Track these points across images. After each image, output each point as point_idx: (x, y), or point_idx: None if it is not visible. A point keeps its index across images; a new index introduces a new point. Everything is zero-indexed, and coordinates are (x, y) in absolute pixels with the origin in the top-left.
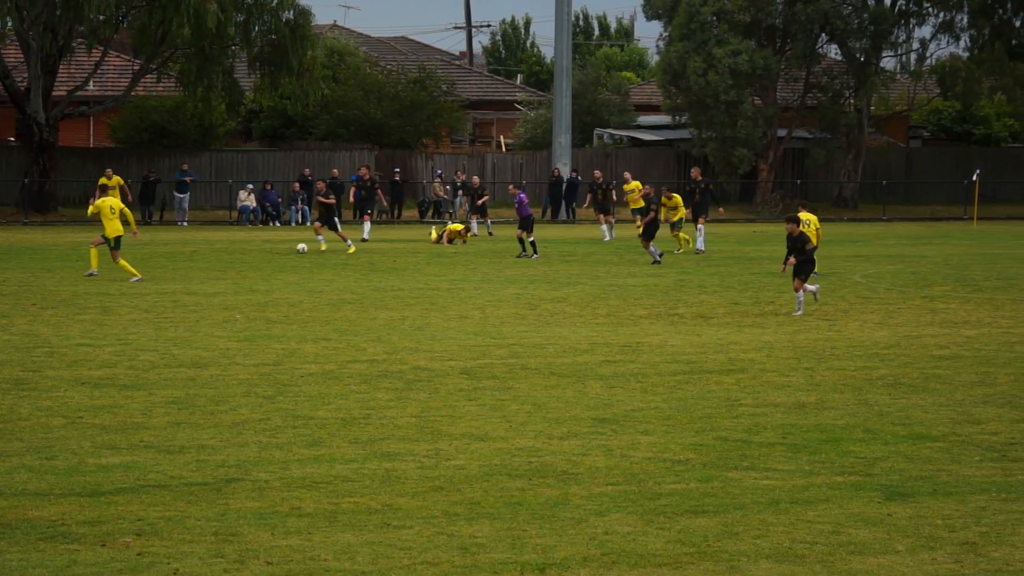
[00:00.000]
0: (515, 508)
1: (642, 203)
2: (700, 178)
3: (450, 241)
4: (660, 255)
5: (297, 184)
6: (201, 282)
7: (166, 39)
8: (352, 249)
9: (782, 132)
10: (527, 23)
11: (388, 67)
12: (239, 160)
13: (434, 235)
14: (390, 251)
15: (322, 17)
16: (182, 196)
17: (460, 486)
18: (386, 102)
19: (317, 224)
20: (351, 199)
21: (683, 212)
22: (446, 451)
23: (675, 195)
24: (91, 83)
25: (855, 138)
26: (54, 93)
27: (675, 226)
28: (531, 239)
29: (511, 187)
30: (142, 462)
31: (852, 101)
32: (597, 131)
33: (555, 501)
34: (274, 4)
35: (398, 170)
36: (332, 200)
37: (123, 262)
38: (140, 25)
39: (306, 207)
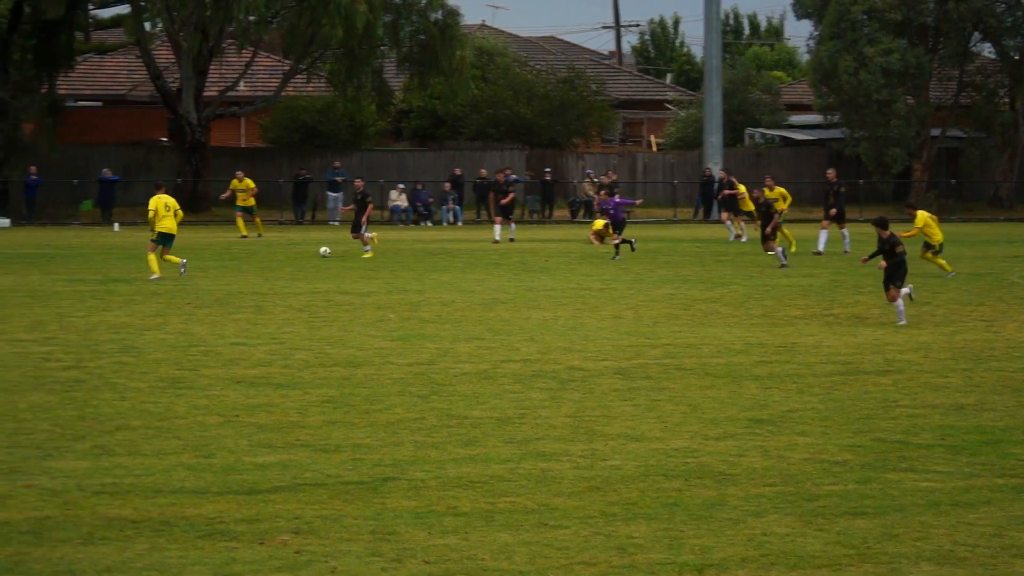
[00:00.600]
0: (672, 509)
1: (752, 205)
2: (835, 180)
3: (600, 240)
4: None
5: (448, 184)
6: (354, 281)
7: (316, 39)
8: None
9: (935, 131)
10: (676, 22)
11: (537, 67)
12: (389, 160)
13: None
14: (542, 251)
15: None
16: (334, 196)
17: (616, 486)
18: (536, 102)
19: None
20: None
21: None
22: (602, 451)
23: (778, 187)
24: (242, 83)
25: (1010, 137)
26: (205, 93)
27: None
28: (616, 241)
29: (602, 192)
30: (298, 461)
31: (1007, 100)
32: (748, 131)
33: (712, 502)
34: (423, 4)
35: (549, 170)
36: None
37: (152, 256)
38: (290, 26)
39: (457, 207)
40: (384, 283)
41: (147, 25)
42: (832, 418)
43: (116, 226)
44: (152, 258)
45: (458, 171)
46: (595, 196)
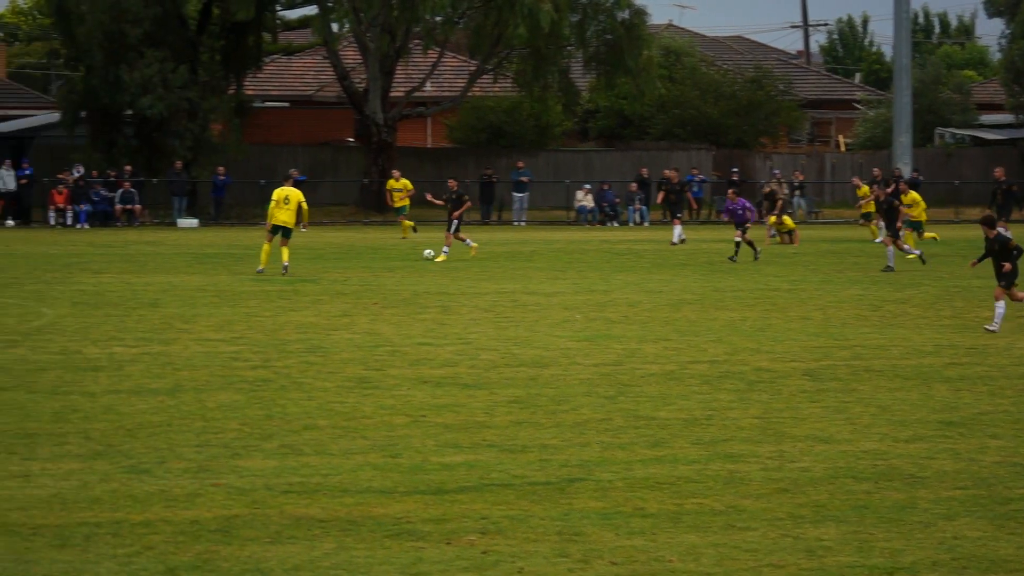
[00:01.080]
0: (861, 511)
1: (873, 207)
2: (1003, 178)
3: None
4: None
5: (634, 184)
6: (540, 282)
7: (501, 39)
8: (441, 258)
9: None
10: (864, 21)
11: (724, 66)
12: (576, 160)
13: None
14: (729, 251)
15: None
16: (520, 196)
17: (805, 488)
18: (723, 101)
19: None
20: (658, 199)
21: (923, 212)
22: (790, 453)
23: (912, 192)
24: (428, 84)
25: None
26: (392, 94)
27: (914, 228)
28: (738, 240)
29: (731, 192)
30: (485, 461)
31: None
32: (938, 130)
33: (902, 505)
34: (609, 4)
35: (736, 170)
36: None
37: (267, 247)
38: (476, 26)
39: (644, 207)
40: (571, 283)
41: (334, 26)
42: None
43: (303, 227)
44: (265, 248)
45: (644, 171)
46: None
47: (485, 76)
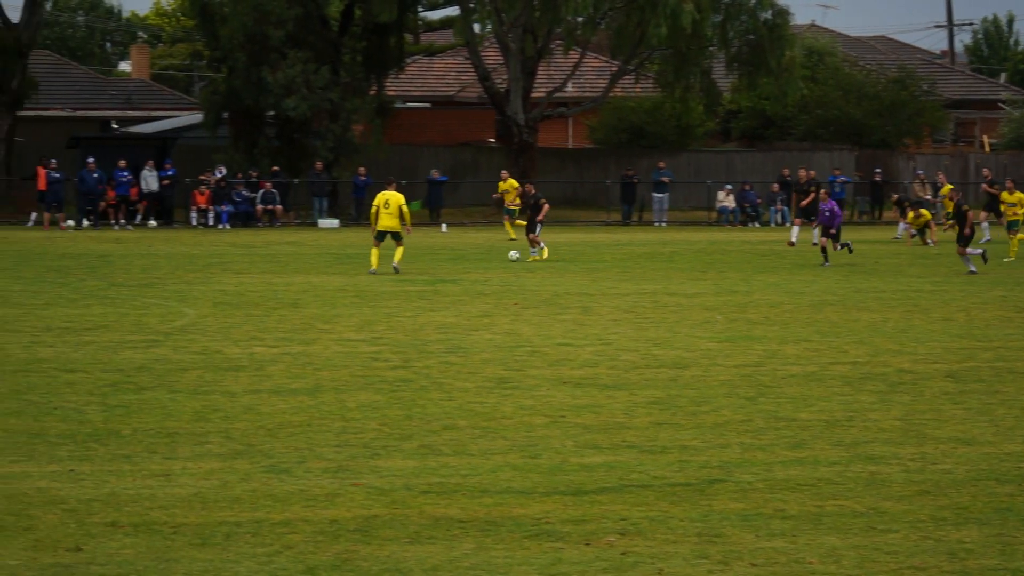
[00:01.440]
0: (1004, 514)
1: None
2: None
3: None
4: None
5: (776, 185)
6: (681, 283)
7: (643, 40)
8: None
9: None
10: (1010, 20)
11: (867, 66)
12: (717, 160)
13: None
14: (871, 252)
15: (800, 17)
16: (660, 196)
17: (947, 490)
18: (866, 102)
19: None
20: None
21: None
22: (932, 455)
23: (1018, 191)
24: (569, 84)
25: None
26: (533, 95)
27: (1011, 227)
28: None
29: (823, 192)
30: (624, 462)
31: None
32: None
33: None
34: (752, 4)
35: (879, 170)
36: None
37: (376, 250)
38: (618, 26)
39: (785, 208)
40: (711, 284)
41: (476, 27)
42: None
43: (444, 227)
44: (375, 252)
45: (787, 172)
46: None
47: (626, 76)
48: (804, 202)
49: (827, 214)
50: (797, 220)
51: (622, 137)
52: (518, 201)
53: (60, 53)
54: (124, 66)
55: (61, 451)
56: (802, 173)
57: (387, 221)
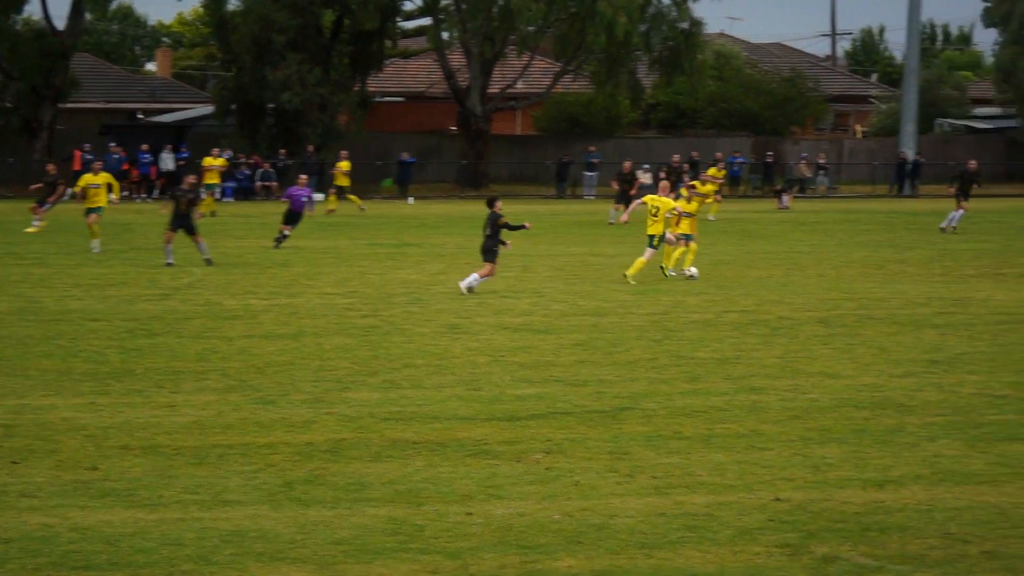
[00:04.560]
0: (860, 434)
1: None
2: (975, 170)
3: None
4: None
5: (686, 165)
6: (604, 246)
7: (582, 45)
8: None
9: None
10: (882, 30)
11: (764, 68)
12: (638, 145)
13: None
14: (761, 220)
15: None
16: (591, 175)
17: (814, 415)
18: (762, 97)
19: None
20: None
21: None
22: (803, 386)
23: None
24: (520, 82)
25: None
26: (489, 91)
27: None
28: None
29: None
30: (551, 393)
31: None
32: (937, 121)
33: (893, 429)
34: (672, 16)
35: (771, 153)
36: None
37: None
38: (561, 34)
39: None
40: (629, 247)
41: (445, 35)
42: (997, 360)
43: (410, 200)
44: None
45: (695, 154)
46: (807, 174)
47: (567, 75)
48: (632, 191)
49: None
50: (619, 206)
51: (561, 126)
52: (346, 181)
53: (96, 55)
54: (150, 66)
55: (84, 387)
56: (627, 165)
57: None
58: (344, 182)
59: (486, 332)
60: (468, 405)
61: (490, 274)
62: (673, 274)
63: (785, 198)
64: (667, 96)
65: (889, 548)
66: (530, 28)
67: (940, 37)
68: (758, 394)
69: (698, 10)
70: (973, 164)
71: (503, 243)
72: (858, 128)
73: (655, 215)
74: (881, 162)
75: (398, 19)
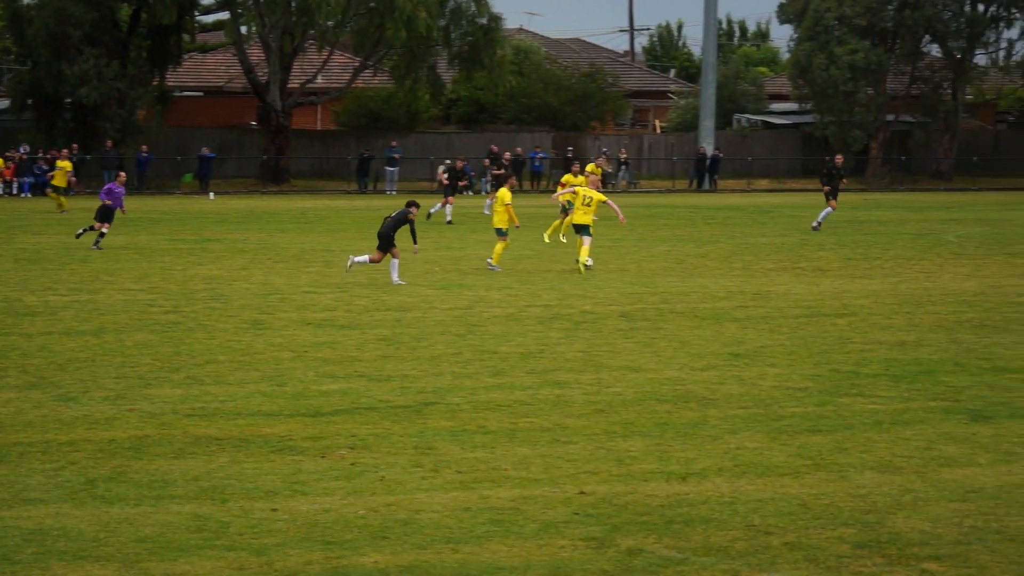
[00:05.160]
0: (663, 427)
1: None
2: (841, 165)
3: None
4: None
5: (487, 160)
6: (407, 241)
7: (382, 40)
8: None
9: (890, 117)
10: (679, 27)
11: (564, 63)
12: (439, 140)
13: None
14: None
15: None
16: (392, 170)
17: (618, 409)
18: (562, 92)
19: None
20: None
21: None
22: (606, 380)
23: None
24: (319, 77)
25: (951, 122)
26: (289, 85)
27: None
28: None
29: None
30: (356, 388)
31: (949, 91)
32: (735, 116)
33: (696, 422)
34: (471, 11)
35: (571, 148)
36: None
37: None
38: (360, 29)
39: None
40: (432, 242)
41: (243, 29)
42: (797, 352)
43: (211, 195)
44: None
45: (495, 149)
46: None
47: (367, 70)
48: (461, 182)
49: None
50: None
51: (362, 121)
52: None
53: None
54: None
55: None
56: (459, 163)
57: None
58: (61, 182)
59: (290, 328)
60: (272, 401)
61: (377, 260)
62: (493, 266)
63: None
64: (467, 91)
65: (693, 540)
66: (329, 23)
67: (737, 33)
68: (562, 388)
69: (497, 5)
70: (840, 159)
71: (415, 244)
72: (657, 123)
73: (587, 204)
74: (680, 157)
75: (196, 13)
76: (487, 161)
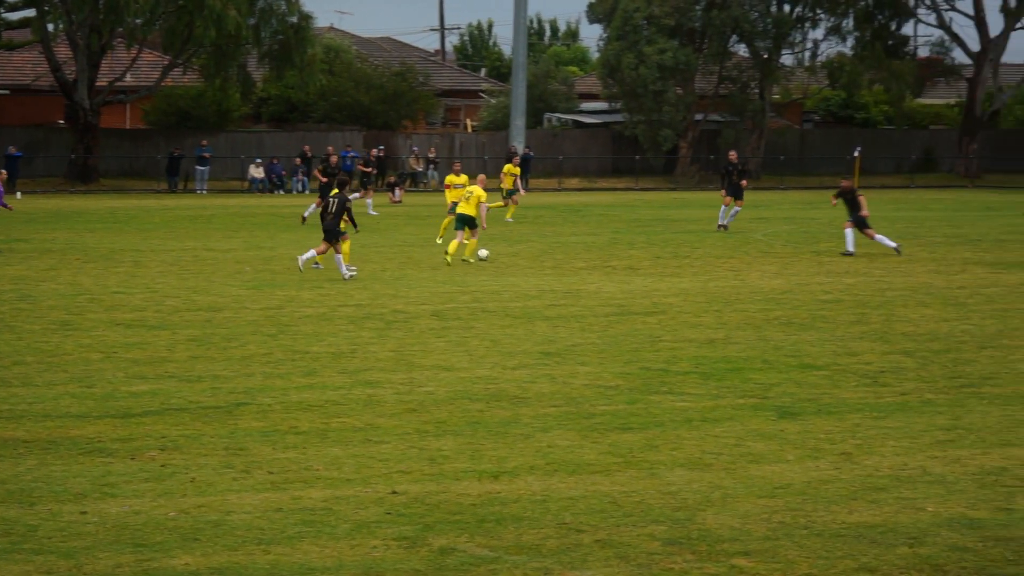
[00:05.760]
0: (475, 426)
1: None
2: (736, 160)
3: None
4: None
5: (298, 159)
6: (217, 240)
7: (191, 39)
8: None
9: (699, 116)
10: (490, 26)
11: (375, 62)
12: (250, 139)
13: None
14: (372, 216)
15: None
16: (202, 169)
17: (430, 408)
18: (373, 91)
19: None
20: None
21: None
22: (418, 379)
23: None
24: (128, 75)
25: (759, 121)
26: (97, 84)
27: (510, 195)
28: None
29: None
30: (166, 389)
31: (757, 91)
32: (547, 115)
33: (508, 420)
34: (282, 10)
35: (382, 147)
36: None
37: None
38: (170, 27)
39: (305, 178)
40: (242, 241)
41: (50, 26)
42: (607, 351)
43: (19, 195)
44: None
45: (307, 148)
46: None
47: (176, 69)
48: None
49: None
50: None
51: (171, 119)
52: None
53: None
54: None
55: None
56: (332, 159)
57: None
58: None
59: (99, 328)
60: (81, 402)
61: (324, 252)
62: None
63: (398, 192)
64: (278, 90)
65: (505, 539)
66: (138, 20)
67: (548, 32)
68: (374, 388)
69: (308, 4)
70: (733, 155)
71: (354, 226)
72: (468, 122)
73: (468, 199)
74: (491, 156)
75: (1, 10)
76: (298, 160)
